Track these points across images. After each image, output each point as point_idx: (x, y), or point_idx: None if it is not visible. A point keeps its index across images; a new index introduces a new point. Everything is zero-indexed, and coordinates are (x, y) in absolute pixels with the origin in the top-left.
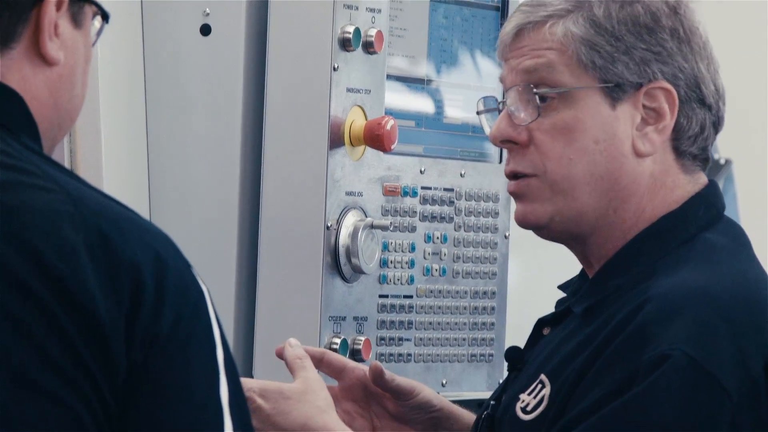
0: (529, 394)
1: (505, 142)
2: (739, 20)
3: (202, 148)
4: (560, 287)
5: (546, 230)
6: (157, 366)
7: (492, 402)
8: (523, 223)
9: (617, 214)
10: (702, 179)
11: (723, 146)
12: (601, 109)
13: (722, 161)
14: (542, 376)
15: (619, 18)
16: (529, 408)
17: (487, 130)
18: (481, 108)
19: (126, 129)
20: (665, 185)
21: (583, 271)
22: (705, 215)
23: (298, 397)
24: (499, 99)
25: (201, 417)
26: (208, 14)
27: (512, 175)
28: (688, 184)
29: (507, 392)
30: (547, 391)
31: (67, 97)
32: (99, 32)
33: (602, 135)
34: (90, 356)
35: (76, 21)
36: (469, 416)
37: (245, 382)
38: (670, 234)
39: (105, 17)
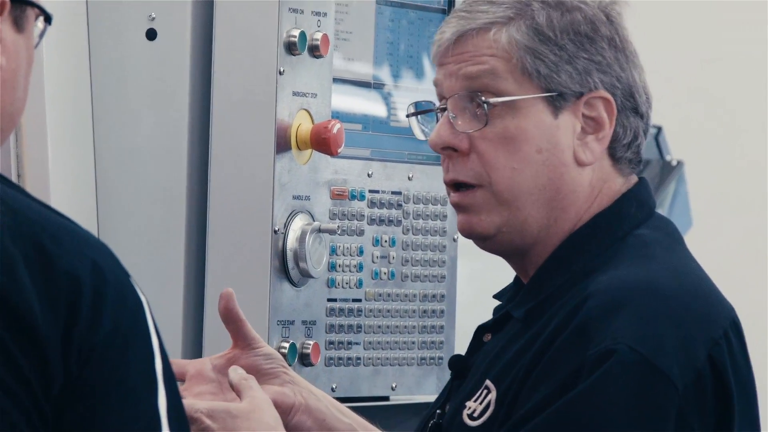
0: (475, 401)
1: (445, 149)
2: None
3: (149, 153)
4: (495, 296)
5: (491, 242)
6: (95, 376)
7: (438, 411)
8: (470, 234)
9: (557, 223)
10: (632, 178)
11: (675, 147)
12: (544, 118)
13: (674, 162)
14: (487, 382)
15: (561, 26)
16: (475, 414)
17: (419, 134)
18: (412, 110)
19: (72, 133)
20: (602, 192)
21: (517, 278)
22: (637, 212)
23: (246, 416)
24: (435, 104)
25: (138, 427)
26: (153, 18)
27: (453, 185)
28: (622, 186)
29: (452, 400)
30: (492, 395)
31: (9, 101)
32: (42, 34)
33: (545, 144)
34: (28, 367)
35: (18, 25)
36: (321, 391)
37: (192, 403)
38: (603, 232)
39: (48, 19)
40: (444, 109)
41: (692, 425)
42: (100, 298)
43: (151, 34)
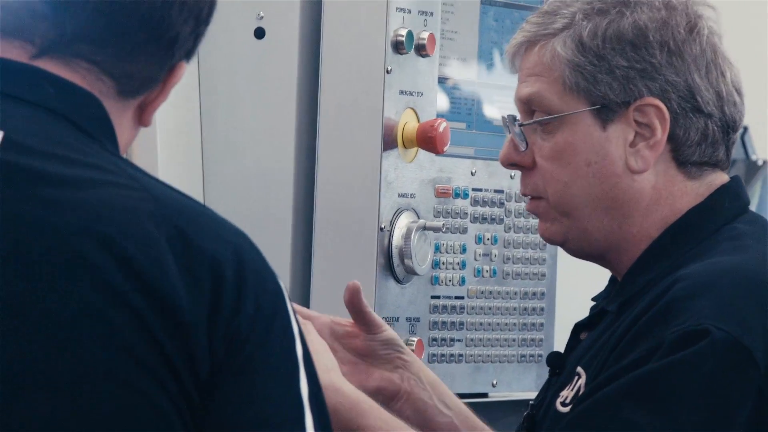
0: (567, 389)
1: (511, 166)
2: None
3: (257, 151)
4: (593, 299)
5: (565, 248)
6: (239, 360)
7: (532, 402)
8: (544, 239)
9: (623, 229)
10: (720, 178)
11: (760, 147)
12: (592, 131)
13: (759, 162)
14: (578, 368)
15: (605, 36)
16: (567, 401)
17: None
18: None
19: (181, 131)
20: (672, 194)
21: (612, 279)
22: (730, 206)
23: None
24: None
25: (282, 412)
26: (262, 17)
27: (525, 195)
28: (699, 187)
29: (548, 395)
30: (582, 380)
31: None
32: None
33: (594, 157)
34: (174, 351)
35: None
36: (433, 375)
37: None
38: (697, 227)
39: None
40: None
41: None
42: (243, 282)
43: (260, 33)
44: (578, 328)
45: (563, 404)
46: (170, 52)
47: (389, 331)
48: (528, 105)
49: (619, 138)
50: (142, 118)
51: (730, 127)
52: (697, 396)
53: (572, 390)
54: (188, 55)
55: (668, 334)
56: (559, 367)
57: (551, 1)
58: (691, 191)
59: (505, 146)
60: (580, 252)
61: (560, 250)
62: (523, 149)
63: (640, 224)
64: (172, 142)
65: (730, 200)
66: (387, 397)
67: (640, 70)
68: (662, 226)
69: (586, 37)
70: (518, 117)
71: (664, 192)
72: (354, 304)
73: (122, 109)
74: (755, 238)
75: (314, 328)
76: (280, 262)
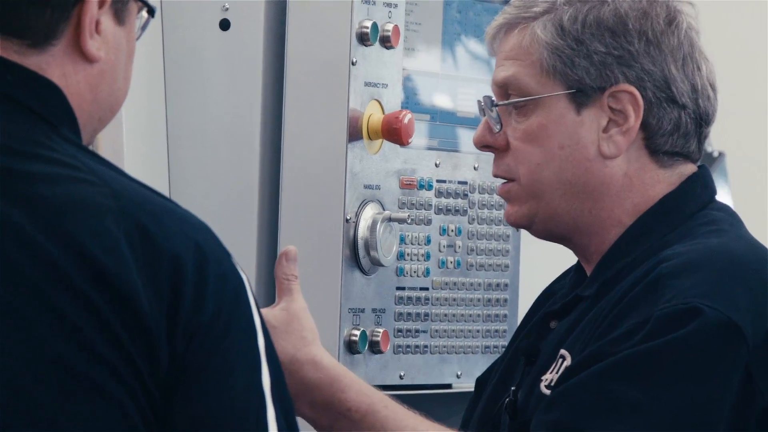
0: (550, 372)
1: (485, 147)
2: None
3: (222, 142)
4: (551, 287)
5: (531, 230)
6: (200, 355)
7: (513, 388)
8: (510, 223)
9: (593, 213)
10: (689, 168)
11: (716, 139)
12: (566, 115)
13: (715, 154)
14: (562, 351)
15: (585, 21)
16: (552, 383)
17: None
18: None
19: (146, 123)
20: (644, 182)
21: (578, 267)
22: (702, 194)
23: (284, 328)
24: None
25: (243, 405)
26: (227, 9)
27: (496, 178)
28: (671, 176)
29: (525, 381)
30: (567, 362)
31: (108, 91)
32: (144, 27)
33: (567, 140)
34: (133, 347)
35: (119, 18)
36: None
37: None
38: (672, 212)
39: (150, 12)
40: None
41: (758, 382)
42: (203, 278)
43: (225, 25)
44: (548, 316)
45: (548, 387)
46: None
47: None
48: (504, 88)
49: (592, 123)
50: (83, 53)
51: (703, 120)
52: (690, 374)
53: (556, 372)
54: None
55: (656, 311)
56: (536, 356)
57: None
58: (663, 180)
59: (480, 128)
60: (547, 233)
61: (524, 241)
62: (497, 130)
63: (610, 209)
64: (138, 133)
65: (701, 188)
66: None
67: (618, 56)
68: (634, 212)
69: (567, 22)
70: (490, 101)
71: (636, 179)
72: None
73: (53, 58)
74: (729, 223)
75: (297, 287)
76: (246, 253)
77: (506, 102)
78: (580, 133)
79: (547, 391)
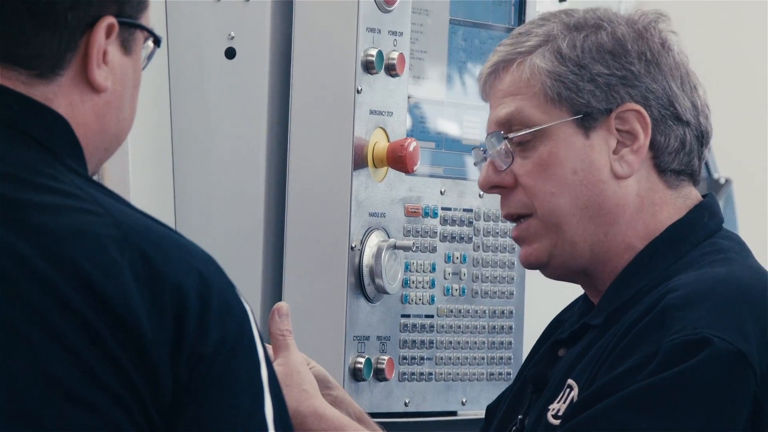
0: (557, 402)
1: (493, 188)
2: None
3: (228, 170)
4: (559, 317)
5: (549, 269)
6: (203, 385)
7: (520, 417)
8: (526, 264)
9: (608, 238)
10: (694, 193)
11: (722, 166)
12: (575, 140)
13: (722, 181)
14: (569, 381)
15: (583, 47)
16: (560, 413)
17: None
18: (475, 159)
19: (152, 151)
20: (653, 202)
21: (586, 296)
22: (709, 222)
23: (284, 382)
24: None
25: None
26: (232, 38)
27: (510, 218)
28: (677, 198)
29: (532, 410)
30: (575, 392)
31: (114, 121)
32: (150, 56)
33: (579, 165)
34: (136, 375)
35: (126, 47)
36: (360, 409)
37: None
38: (679, 241)
39: (156, 42)
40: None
41: (765, 411)
42: (207, 308)
43: (230, 53)
44: (556, 344)
45: (555, 417)
46: (57, 19)
47: (316, 368)
48: (507, 125)
49: (602, 145)
50: (90, 83)
51: (703, 138)
52: (700, 406)
53: (564, 402)
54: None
55: (665, 343)
56: (544, 385)
57: (522, 26)
58: (671, 202)
59: (484, 170)
60: (565, 269)
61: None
62: (505, 168)
63: (625, 233)
64: (144, 162)
65: (709, 217)
66: None
67: (621, 77)
68: (645, 235)
69: (566, 49)
70: (494, 139)
71: (647, 200)
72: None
73: (60, 88)
74: (736, 251)
75: (293, 342)
76: (251, 281)
77: (517, 134)
78: (592, 157)
79: (554, 421)
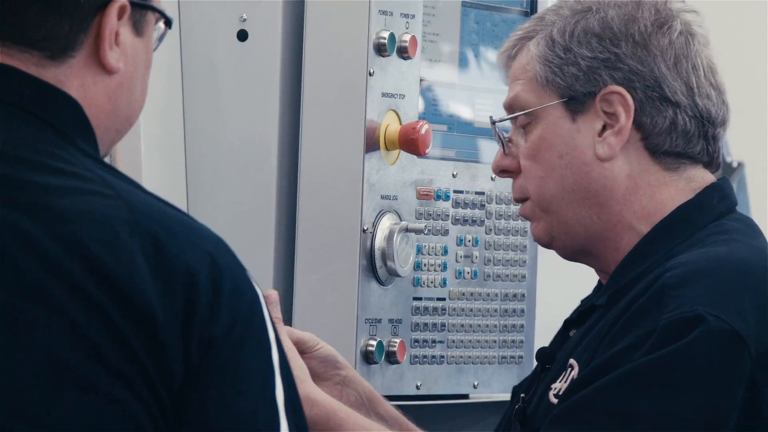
0: (559, 381)
1: (502, 172)
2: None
3: (240, 153)
4: (583, 301)
5: (554, 248)
6: (214, 367)
7: (523, 396)
8: (535, 240)
9: (602, 219)
10: (703, 175)
11: (735, 149)
12: (563, 124)
13: (734, 164)
14: (571, 360)
15: (573, 32)
16: (561, 393)
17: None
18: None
19: (164, 134)
20: (650, 183)
21: (599, 282)
22: (719, 205)
23: None
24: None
25: (257, 418)
26: (245, 20)
27: (517, 202)
28: (678, 180)
29: (538, 387)
30: (575, 371)
31: (126, 102)
32: (161, 38)
33: (564, 149)
34: (147, 359)
35: (138, 29)
36: (370, 387)
37: None
38: (686, 222)
39: (168, 23)
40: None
41: (763, 391)
42: (218, 291)
43: (243, 35)
44: (567, 325)
45: (556, 396)
46: (69, 1)
47: (325, 348)
48: (511, 110)
49: (588, 129)
50: (102, 65)
51: (705, 119)
52: (695, 384)
53: (565, 382)
54: None
55: (662, 320)
56: (549, 362)
57: (541, 11)
58: (671, 183)
59: (497, 154)
60: (568, 249)
61: (541, 252)
62: (505, 150)
63: (619, 213)
64: (156, 145)
65: (719, 199)
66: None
67: (604, 59)
68: (644, 215)
69: (556, 34)
70: (500, 124)
71: (641, 181)
72: None
73: (72, 69)
74: (743, 233)
75: (285, 329)
76: (263, 264)
77: (506, 117)
78: (577, 140)
79: (555, 400)
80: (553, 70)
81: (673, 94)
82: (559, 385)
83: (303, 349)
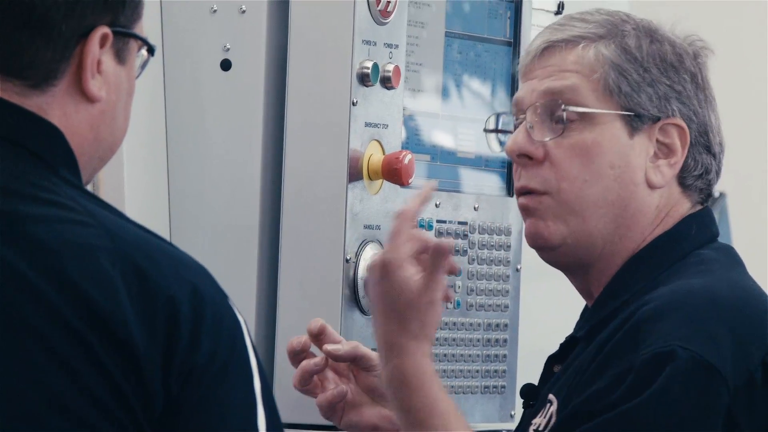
0: (539, 417)
1: (521, 156)
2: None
3: (223, 181)
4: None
5: (555, 253)
6: (195, 397)
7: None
8: (535, 239)
9: (622, 241)
10: (685, 205)
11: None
12: (620, 136)
13: (716, 194)
14: (550, 396)
15: (648, 51)
16: (540, 428)
17: (495, 147)
18: (491, 126)
19: (147, 163)
20: (668, 215)
21: (583, 312)
22: (698, 234)
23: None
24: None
25: None
26: (228, 49)
27: (523, 191)
28: (687, 212)
29: (521, 424)
30: (554, 407)
31: (108, 131)
32: (144, 65)
33: (618, 161)
34: (128, 388)
35: (120, 57)
36: None
37: None
38: (664, 253)
39: (150, 50)
40: (522, 120)
41: (740, 425)
42: (200, 320)
43: (226, 65)
44: (550, 360)
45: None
46: (52, 30)
47: (362, 349)
48: (557, 97)
49: (642, 150)
50: (84, 93)
51: (719, 174)
52: (672, 424)
53: (544, 417)
54: (96, 20)
55: (638, 357)
56: (534, 399)
57: (578, 13)
58: (683, 215)
59: (519, 135)
60: (571, 258)
61: (524, 282)
62: (548, 138)
63: (635, 241)
64: (139, 173)
65: (697, 228)
66: None
67: (678, 92)
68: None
69: (633, 48)
70: (544, 108)
71: (663, 213)
72: (318, 341)
73: (54, 98)
74: (720, 263)
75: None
76: (246, 292)
77: (576, 108)
78: (631, 157)
79: None
80: (629, 83)
81: (714, 146)
82: (539, 420)
83: (368, 367)
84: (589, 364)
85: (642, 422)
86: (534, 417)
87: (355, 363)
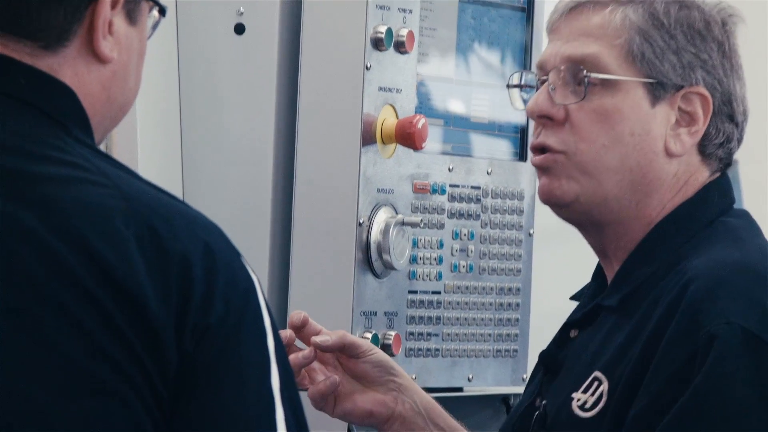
0: (584, 392)
1: (541, 117)
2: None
3: (236, 146)
4: (573, 298)
5: (568, 209)
6: (208, 356)
7: (544, 401)
8: (548, 197)
9: (639, 207)
10: (716, 174)
11: None
12: (642, 104)
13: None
14: (597, 373)
15: (676, 17)
16: (587, 405)
17: (518, 104)
18: (515, 81)
19: (160, 127)
20: (687, 183)
21: (594, 275)
22: (720, 202)
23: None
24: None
25: (253, 406)
26: (242, 13)
27: (539, 149)
28: (707, 180)
29: (548, 394)
30: (605, 387)
31: (120, 91)
32: (155, 26)
33: (638, 129)
34: (141, 348)
35: (131, 18)
36: (428, 397)
37: None
38: (690, 220)
39: (162, 11)
40: (545, 81)
41: None
42: (213, 279)
43: (240, 29)
44: (567, 326)
45: (582, 408)
46: None
47: (379, 353)
48: (580, 63)
49: (663, 118)
50: (96, 54)
51: (741, 142)
52: (744, 402)
53: (592, 395)
54: None
55: (700, 338)
56: (554, 366)
57: None
58: (703, 183)
59: (541, 96)
60: (585, 216)
61: (536, 246)
62: (571, 102)
63: (654, 207)
64: (152, 137)
65: (719, 196)
66: (380, 421)
67: (703, 60)
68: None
69: (661, 13)
70: (568, 72)
71: (682, 181)
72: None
73: (66, 59)
74: (747, 230)
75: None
76: (259, 256)
77: (599, 75)
78: (651, 125)
79: (582, 413)
80: (654, 50)
81: (737, 115)
82: (584, 397)
83: (357, 354)
84: (644, 350)
85: (703, 410)
86: (575, 390)
87: (343, 351)
